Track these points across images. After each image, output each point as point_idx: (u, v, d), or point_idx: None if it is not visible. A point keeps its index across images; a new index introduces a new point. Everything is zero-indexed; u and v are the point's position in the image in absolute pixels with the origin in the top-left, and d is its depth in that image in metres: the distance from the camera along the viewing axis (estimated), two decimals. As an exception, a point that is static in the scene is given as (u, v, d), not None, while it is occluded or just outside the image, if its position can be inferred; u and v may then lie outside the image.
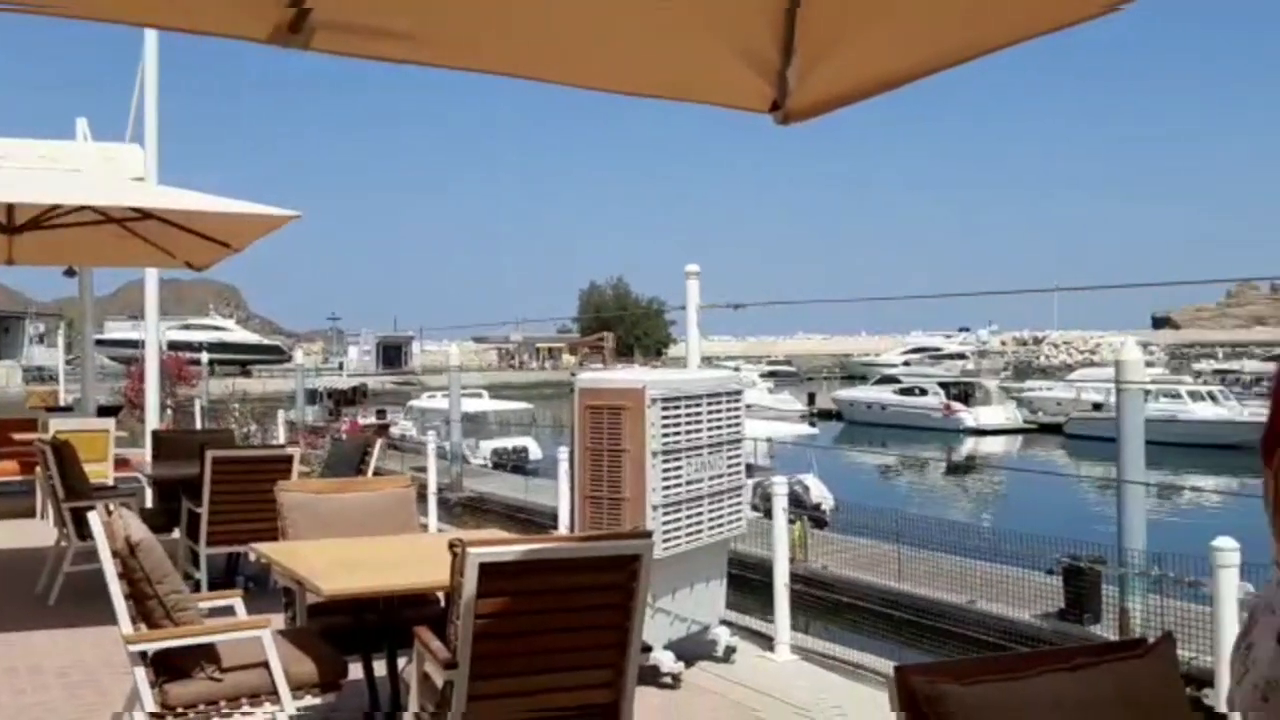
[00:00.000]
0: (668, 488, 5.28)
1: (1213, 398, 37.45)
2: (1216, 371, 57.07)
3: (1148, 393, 30.75)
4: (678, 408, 5.33)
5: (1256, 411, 36.35)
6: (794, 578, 7.32)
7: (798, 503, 17.32)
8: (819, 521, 16.88)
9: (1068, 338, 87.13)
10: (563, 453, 7.16)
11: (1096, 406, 37.19)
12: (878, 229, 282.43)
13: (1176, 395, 36.73)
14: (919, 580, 13.13)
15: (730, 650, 5.87)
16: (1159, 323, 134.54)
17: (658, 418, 5.21)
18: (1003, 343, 76.92)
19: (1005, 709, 1.93)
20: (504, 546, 3.49)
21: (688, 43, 2.63)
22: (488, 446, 28.56)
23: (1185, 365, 64.40)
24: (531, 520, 18.24)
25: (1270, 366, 57.35)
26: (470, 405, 30.11)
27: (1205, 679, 4.49)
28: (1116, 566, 11.18)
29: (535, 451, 27.83)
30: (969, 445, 39.24)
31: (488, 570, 3.35)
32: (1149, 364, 50.07)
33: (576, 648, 3.62)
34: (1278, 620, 1.96)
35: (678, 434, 5.33)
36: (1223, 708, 4.27)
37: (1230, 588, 4.28)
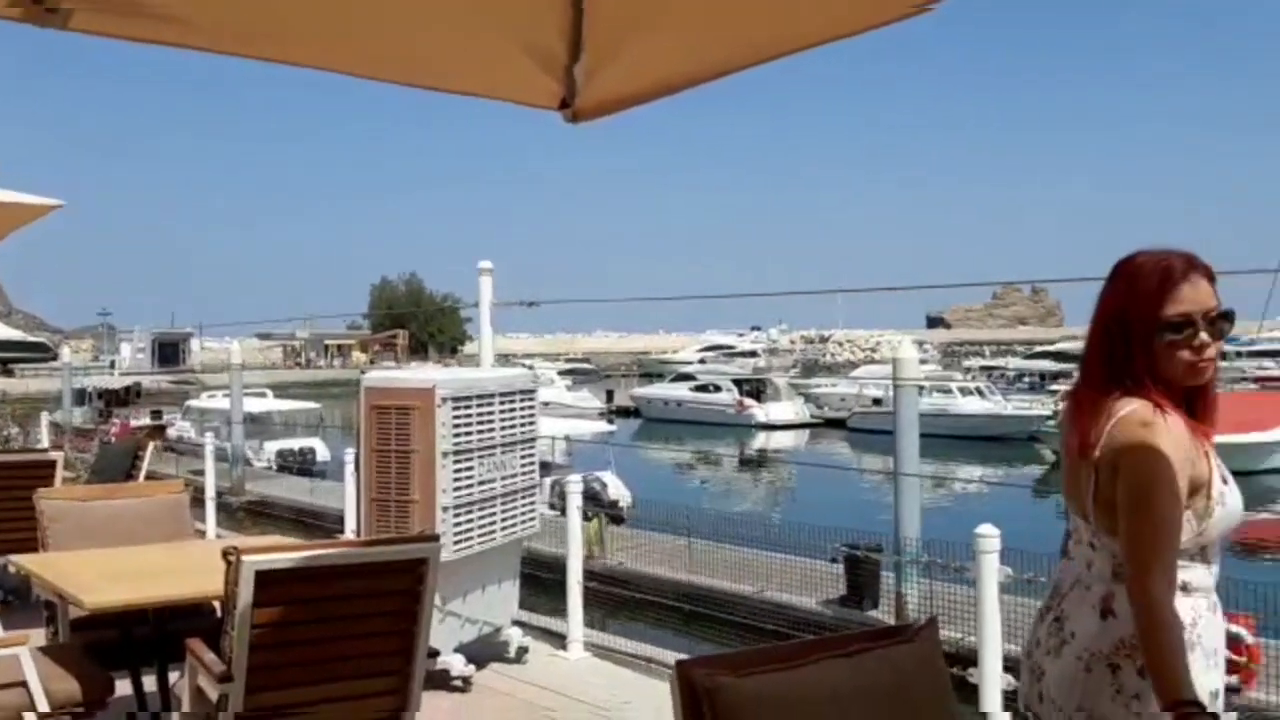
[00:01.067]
0: (459, 489, 5.20)
1: (980, 393, 39.80)
2: (984, 368, 60.52)
3: (922, 389, 32.45)
4: (469, 407, 5.26)
5: (1020, 405, 38.95)
6: (591, 575, 7.37)
7: (595, 500, 17.40)
8: (616, 518, 17.03)
9: (851, 336, 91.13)
10: (349, 454, 6.97)
11: (876, 401, 38.95)
12: (674, 228, 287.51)
13: (948, 390, 38.88)
14: (713, 572, 13.40)
15: (523, 650, 5.85)
16: (933, 322, 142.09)
17: (448, 417, 5.13)
18: (792, 341, 79.62)
19: (783, 698, 1.98)
20: (281, 553, 3.36)
21: (474, 37, 2.58)
22: (272, 448, 27.52)
23: (956, 362, 68.12)
24: (319, 524, 17.72)
25: (1031, 364, 61.43)
26: (253, 405, 28.94)
27: (971, 658, 4.75)
28: (892, 554, 11.72)
29: (323, 453, 26.99)
30: (760, 440, 40.42)
31: (264, 578, 3.23)
32: (923, 361, 52.76)
33: (360, 655, 3.52)
34: (1095, 596, 2.14)
35: (469, 434, 5.26)
36: (989, 684, 4.57)
37: (991, 571, 4.56)
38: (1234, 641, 8.70)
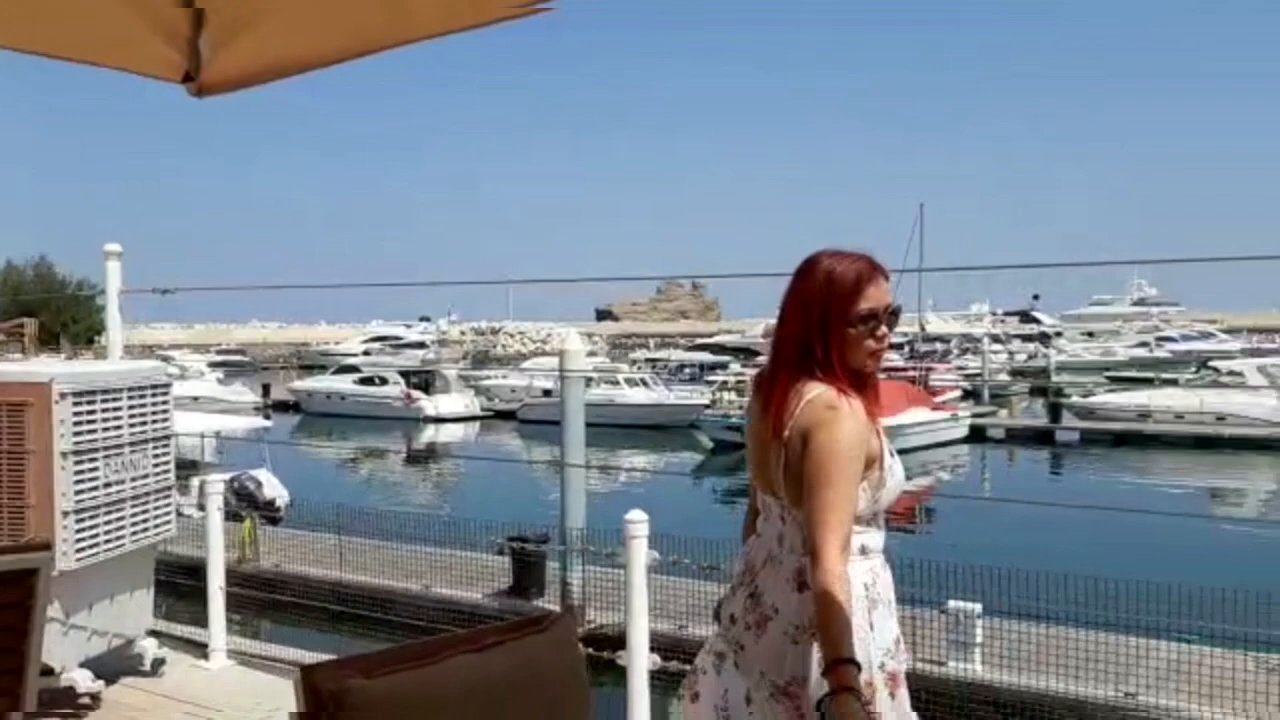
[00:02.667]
0: (81, 492, 4.76)
1: (645, 383, 41.32)
2: (649, 360, 62.86)
3: (589, 380, 33.32)
4: (92, 403, 4.82)
5: (682, 395, 40.80)
6: (241, 578, 6.98)
7: (249, 499, 16.68)
8: (273, 518, 16.36)
9: (522, 328, 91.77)
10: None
11: (546, 393, 39.49)
12: (337, 212, 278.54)
13: (615, 381, 40.08)
14: (377, 572, 13.12)
15: (159, 662, 5.46)
16: (602, 315, 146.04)
17: (68, 414, 4.68)
18: (462, 332, 79.42)
19: (414, 699, 1.94)
20: None
21: (89, 1, 2.40)
22: None
23: (623, 354, 70.40)
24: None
25: (692, 355, 64.53)
26: None
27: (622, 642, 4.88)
28: (558, 543, 11.92)
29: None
30: (429, 433, 40.04)
31: None
32: (592, 353, 54.13)
33: (-44, 681, 3.15)
34: (789, 570, 2.31)
35: (93, 432, 4.83)
36: (637, 663, 4.72)
37: (640, 555, 4.73)
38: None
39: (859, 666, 2.09)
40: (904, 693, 2.34)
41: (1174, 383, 40.35)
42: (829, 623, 2.10)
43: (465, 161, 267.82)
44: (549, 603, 11.68)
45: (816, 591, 2.14)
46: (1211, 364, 43.33)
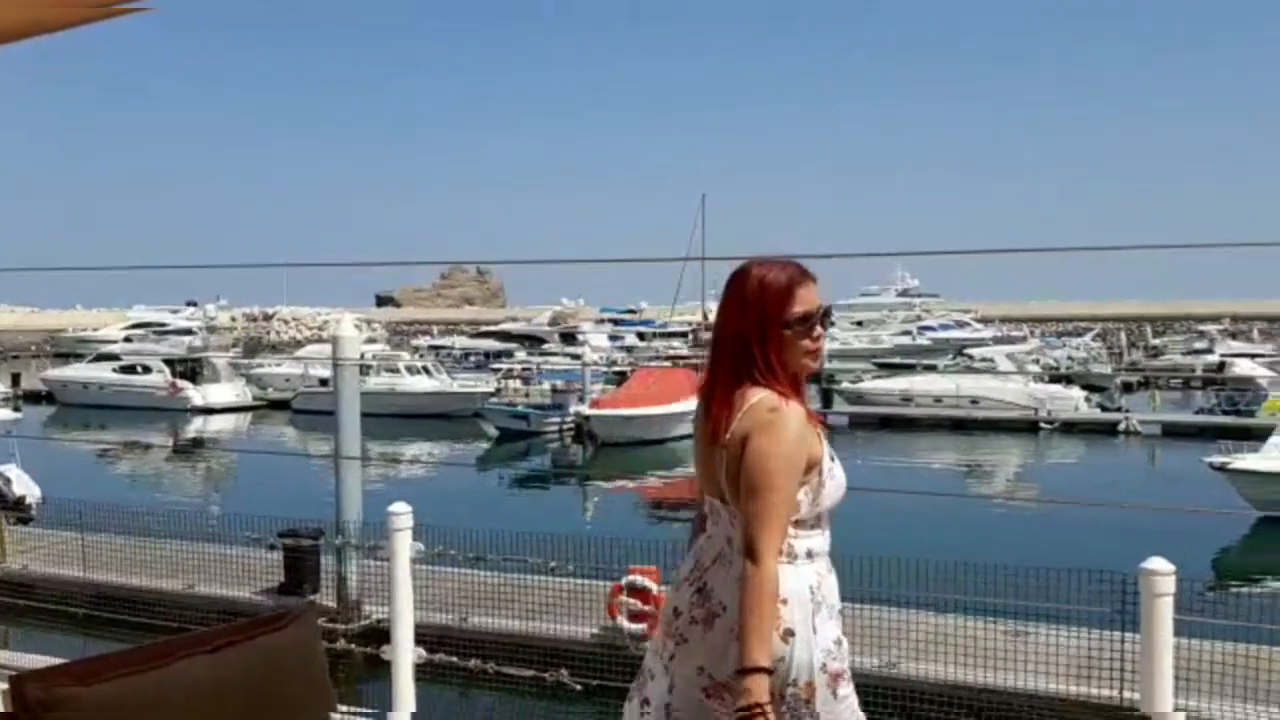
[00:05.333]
0: None
1: (427, 371, 40.64)
2: (432, 347, 61.83)
3: (369, 368, 32.51)
4: None
5: (466, 383, 40.35)
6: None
7: (-3, 498, 15.66)
8: (23, 518, 15.32)
9: (298, 314, 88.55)
10: None
11: (323, 382, 38.26)
12: (98, 191, 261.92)
13: (396, 369, 39.28)
14: (137, 571, 12.42)
15: (-125, 678, 4.99)
16: (382, 301, 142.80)
17: None
18: (232, 318, 76.00)
19: (134, 705, 1.84)
20: None
21: None
22: None
23: (406, 341, 68.99)
24: None
25: (477, 343, 63.94)
26: None
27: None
28: (333, 537, 11.57)
29: None
30: (197, 424, 38.23)
31: None
32: (372, 340, 52.82)
33: None
34: (738, 570, 2.31)
35: None
36: (401, 655, 4.63)
37: (404, 548, 4.65)
38: (642, 591, 9.64)
39: (770, 672, 2.16)
40: (848, 688, 2.41)
41: (934, 368, 42.81)
42: (751, 627, 2.16)
43: (230, 138, 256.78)
44: (324, 599, 11.34)
45: (745, 592, 2.19)
46: (966, 351, 46.27)
